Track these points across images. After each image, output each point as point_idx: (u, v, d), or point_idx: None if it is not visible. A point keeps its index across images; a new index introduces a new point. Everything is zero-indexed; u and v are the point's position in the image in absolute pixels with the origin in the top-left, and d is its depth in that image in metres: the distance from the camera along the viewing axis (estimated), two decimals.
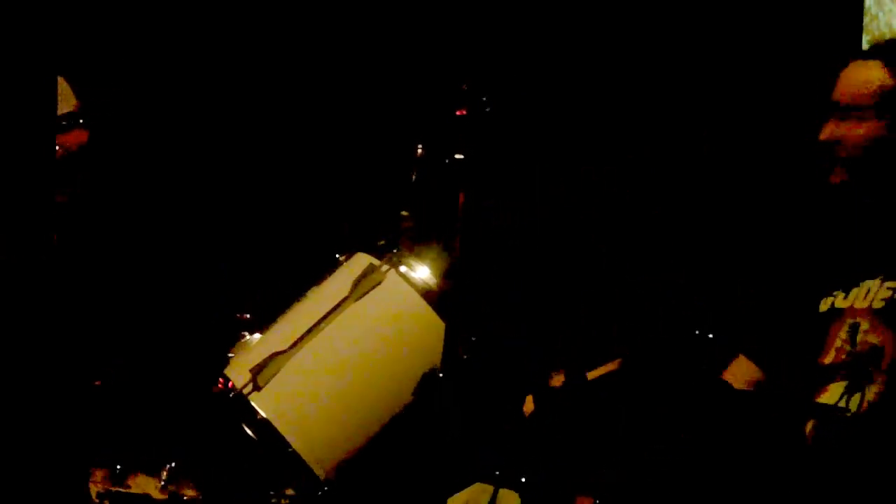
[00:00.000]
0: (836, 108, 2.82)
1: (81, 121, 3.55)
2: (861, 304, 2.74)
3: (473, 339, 2.87)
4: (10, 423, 3.51)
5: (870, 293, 2.73)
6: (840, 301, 2.78)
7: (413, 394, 2.91)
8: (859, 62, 2.84)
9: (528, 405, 3.06)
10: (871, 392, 2.66)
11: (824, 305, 2.81)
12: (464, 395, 2.75)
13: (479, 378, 2.97)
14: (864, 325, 2.72)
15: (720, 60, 3.98)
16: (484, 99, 2.83)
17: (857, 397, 2.66)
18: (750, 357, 2.95)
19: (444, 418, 2.64)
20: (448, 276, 2.97)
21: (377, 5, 4.31)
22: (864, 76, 2.81)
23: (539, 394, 2.71)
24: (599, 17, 4.24)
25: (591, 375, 3.26)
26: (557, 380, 3.29)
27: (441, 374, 2.65)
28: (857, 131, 2.78)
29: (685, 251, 4.03)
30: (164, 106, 4.40)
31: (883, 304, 2.70)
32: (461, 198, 2.78)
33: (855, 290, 2.76)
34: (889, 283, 2.72)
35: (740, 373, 2.94)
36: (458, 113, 2.83)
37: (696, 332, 2.74)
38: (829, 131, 2.83)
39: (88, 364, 3.74)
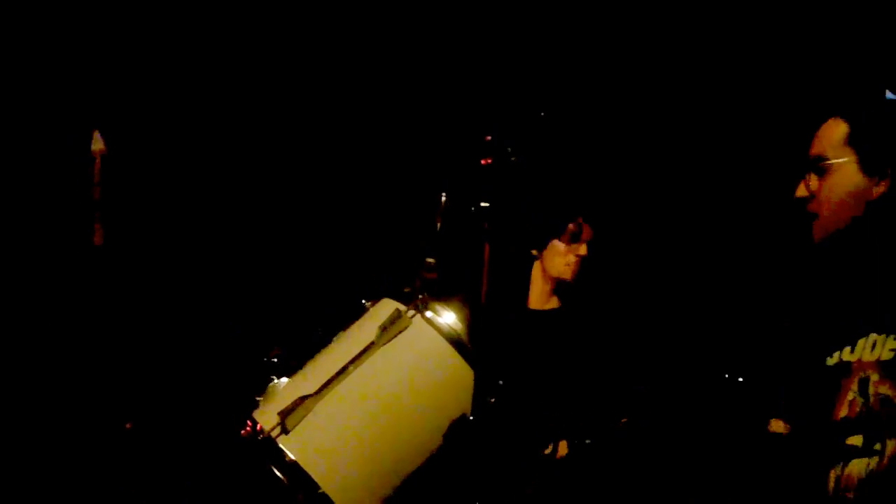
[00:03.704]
0: (811, 163, 2.89)
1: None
2: (869, 358, 2.75)
3: (500, 383, 2.90)
4: (37, 464, 3.57)
5: (876, 346, 2.75)
6: (847, 355, 2.80)
7: (442, 437, 2.91)
8: (836, 119, 2.90)
9: (562, 449, 3.10)
10: (891, 446, 2.66)
11: (831, 360, 2.83)
12: (493, 440, 2.77)
13: (509, 422, 3.00)
14: (875, 378, 2.73)
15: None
16: (508, 149, 2.90)
17: (877, 449, 2.67)
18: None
19: (474, 461, 2.65)
20: (473, 321, 3.01)
21: (408, 58, 4.40)
22: (832, 129, 2.88)
23: (571, 438, 2.73)
24: (617, 66, 4.34)
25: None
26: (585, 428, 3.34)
27: (470, 418, 2.68)
28: (828, 183, 2.84)
29: (702, 305, 4.10)
30: (188, 161, 4.49)
31: (892, 354, 2.72)
32: (486, 245, 2.85)
33: (861, 342, 2.78)
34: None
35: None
36: (483, 162, 2.89)
37: (726, 376, 2.77)
38: (802, 187, 2.90)
39: (120, 407, 3.79)
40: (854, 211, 2.83)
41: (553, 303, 4.15)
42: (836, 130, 2.87)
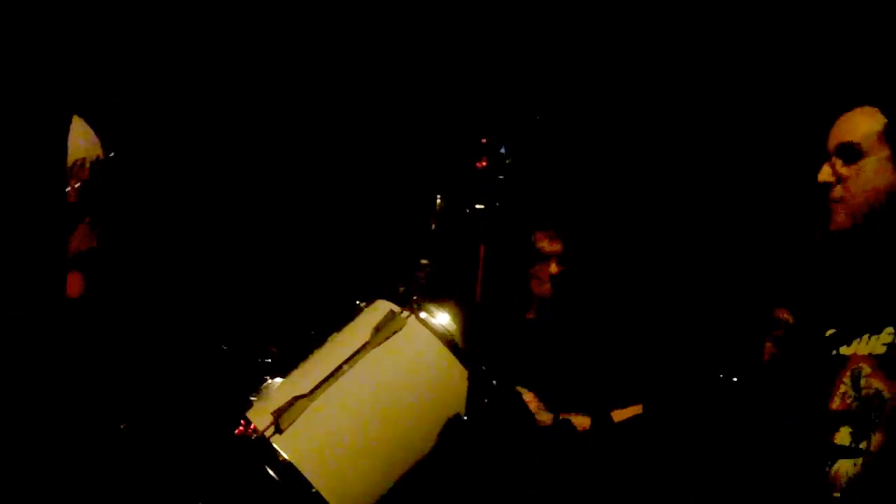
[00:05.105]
0: (836, 151, 2.86)
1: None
2: (863, 350, 2.75)
3: (494, 383, 2.90)
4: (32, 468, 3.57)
5: (871, 339, 2.74)
6: (843, 348, 2.80)
7: (436, 437, 2.92)
8: (863, 108, 2.87)
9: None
10: (875, 438, 2.66)
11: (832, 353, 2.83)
12: (486, 439, 2.78)
13: (501, 422, 3.00)
14: (867, 371, 2.72)
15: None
16: (503, 151, 2.90)
17: (863, 444, 2.67)
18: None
19: (467, 460, 2.65)
20: (468, 322, 3.02)
21: (404, 61, 4.42)
22: (868, 120, 2.84)
23: (562, 432, 2.74)
24: (614, 70, 4.35)
25: (617, 418, 3.34)
26: (582, 422, 3.36)
27: (464, 418, 2.69)
28: (859, 170, 2.82)
29: (702, 299, 4.10)
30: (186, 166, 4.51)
31: (884, 349, 2.72)
32: (481, 247, 2.85)
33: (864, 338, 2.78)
34: (889, 329, 2.72)
35: None
36: (478, 165, 2.90)
37: (721, 376, 2.77)
38: (826, 171, 2.86)
39: (114, 407, 3.79)
40: (875, 204, 2.81)
41: (532, 314, 4.09)
42: (870, 121, 2.83)
